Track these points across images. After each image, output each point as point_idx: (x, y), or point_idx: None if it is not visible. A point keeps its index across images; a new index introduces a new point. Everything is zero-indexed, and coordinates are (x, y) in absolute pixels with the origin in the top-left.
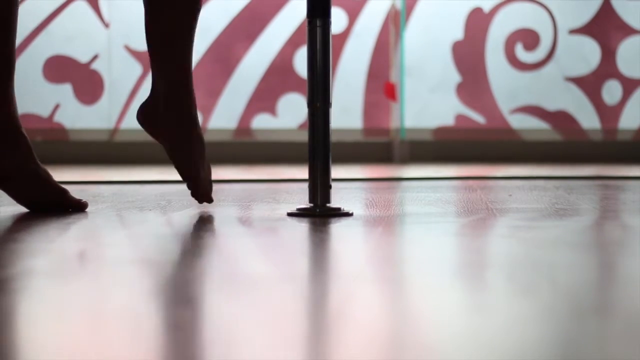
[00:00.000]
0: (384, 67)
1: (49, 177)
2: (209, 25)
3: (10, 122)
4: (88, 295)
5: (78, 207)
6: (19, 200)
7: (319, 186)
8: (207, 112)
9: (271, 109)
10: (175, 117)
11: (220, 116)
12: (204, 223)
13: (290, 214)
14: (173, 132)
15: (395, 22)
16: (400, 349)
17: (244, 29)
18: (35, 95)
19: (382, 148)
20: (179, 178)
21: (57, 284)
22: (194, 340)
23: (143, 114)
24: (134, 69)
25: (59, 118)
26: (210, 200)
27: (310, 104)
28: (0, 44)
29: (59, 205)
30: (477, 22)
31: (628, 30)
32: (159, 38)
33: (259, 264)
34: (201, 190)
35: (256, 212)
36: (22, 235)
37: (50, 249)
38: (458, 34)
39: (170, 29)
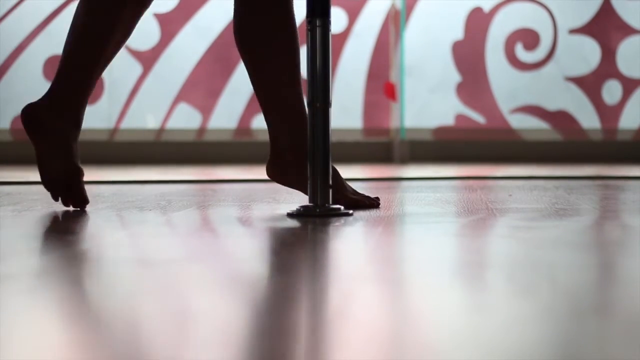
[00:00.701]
0: (384, 67)
1: (74, 156)
2: (209, 25)
3: (81, 106)
4: (88, 295)
5: (80, 200)
6: (41, 159)
7: (319, 186)
8: (207, 112)
9: None
10: (301, 162)
11: (220, 116)
12: (204, 223)
13: (290, 214)
14: (304, 177)
15: (395, 22)
16: (400, 349)
17: None
18: (35, 95)
19: (382, 148)
20: (179, 178)
21: (57, 283)
22: (193, 339)
23: (273, 172)
24: (134, 69)
25: None
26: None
27: (310, 104)
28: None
29: (66, 184)
30: (477, 22)
31: (628, 30)
32: (263, 89)
33: (259, 264)
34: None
35: (256, 212)
36: (22, 235)
37: (50, 249)
38: (458, 33)
39: (274, 77)
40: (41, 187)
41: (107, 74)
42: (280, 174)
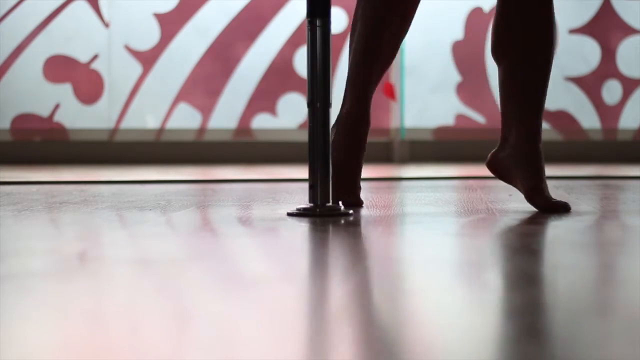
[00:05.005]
0: None
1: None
2: (209, 25)
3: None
4: (87, 295)
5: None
6: None
7: (319, 186)
8: (207, 112)
9: (271, 109)
10: (524, 170)
11: (220, 116)
12: (204, 223)
13: (290, 214)
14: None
15: None
16: (400, 349)
17: (244, 29)
18: (35, 95)
19: (382, 148)
20: (179, 178)
21: (57, 283)
22: (195, 340)
23: (494, 163)
24: (134, 69)
25: (59, 118)
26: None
27: (310, 104)
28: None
29: None
30: (477, 22)
31: (628, 30)
32: (519, 90)
33: (259, 264)
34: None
35: (256, 212)
36: (22, 235)
37: (50, 249)
38: (458, 34)
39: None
40: (41, 187)
41: (107, 74)
42: (502, 172)
